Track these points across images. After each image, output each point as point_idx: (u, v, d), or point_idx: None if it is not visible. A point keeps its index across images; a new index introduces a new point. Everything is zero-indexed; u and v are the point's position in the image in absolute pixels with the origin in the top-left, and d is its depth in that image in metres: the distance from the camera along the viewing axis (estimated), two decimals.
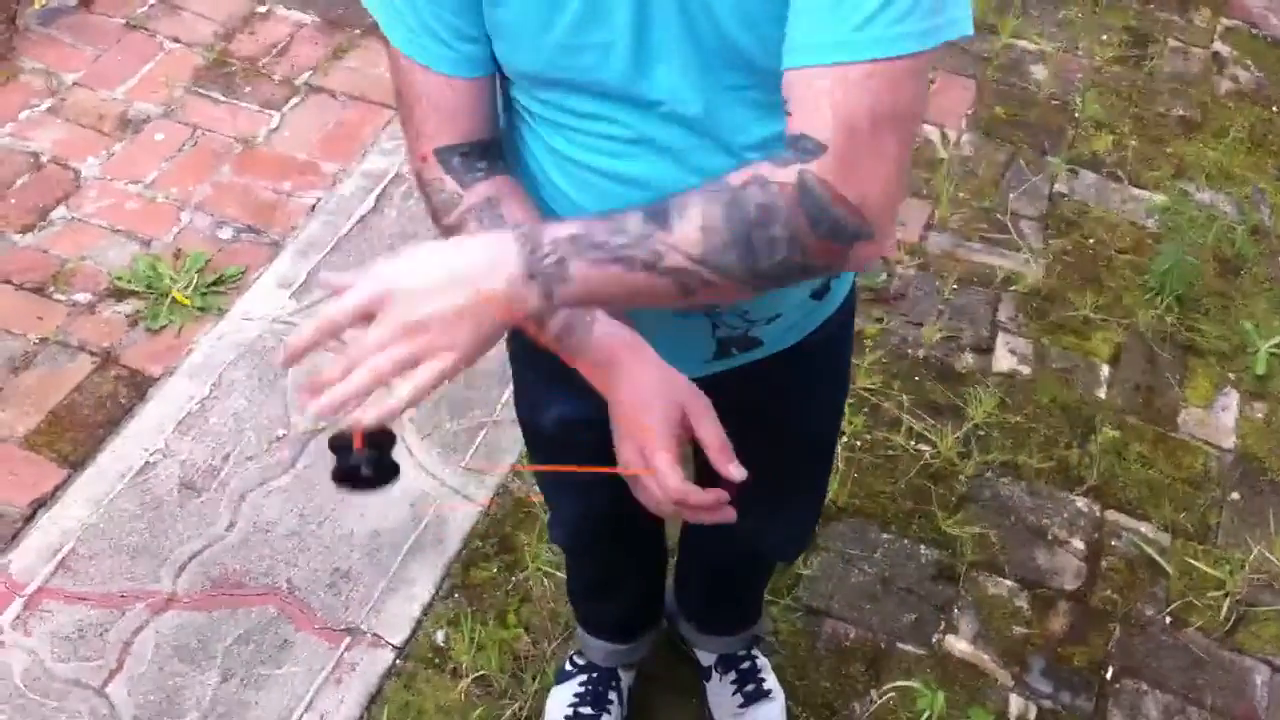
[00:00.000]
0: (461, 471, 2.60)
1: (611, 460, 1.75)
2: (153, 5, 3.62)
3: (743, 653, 2.29)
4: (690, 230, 1.09)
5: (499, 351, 1.67)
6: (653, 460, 1.29)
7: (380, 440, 1.17)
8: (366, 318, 1.09)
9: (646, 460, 1.30)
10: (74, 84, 3.39)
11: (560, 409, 1.66)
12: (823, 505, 2.00)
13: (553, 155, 1.34)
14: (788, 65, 1.10)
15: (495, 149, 1.34)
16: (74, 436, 2.62)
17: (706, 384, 1.53)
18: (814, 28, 1.08)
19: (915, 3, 1.06)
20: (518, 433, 2.54)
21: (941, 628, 2.46)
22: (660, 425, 1.29)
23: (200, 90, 3.40)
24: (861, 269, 1.26)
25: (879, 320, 2.97)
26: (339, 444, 1.17)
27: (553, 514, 1.98)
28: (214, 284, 2.91)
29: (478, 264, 1.08)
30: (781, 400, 1.62)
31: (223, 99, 3.38)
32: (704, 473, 1.85)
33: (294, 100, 3.40)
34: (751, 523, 1.85)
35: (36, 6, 3.56)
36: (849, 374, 1.80)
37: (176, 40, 3.53)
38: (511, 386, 2.67)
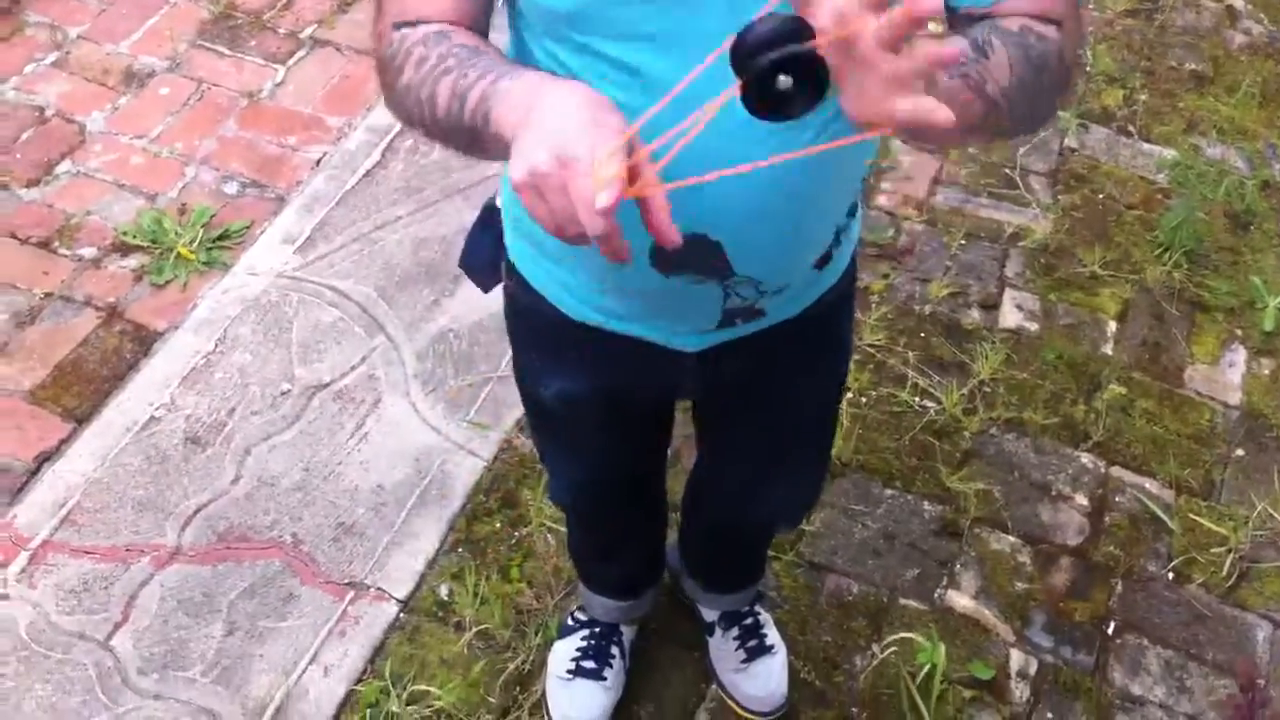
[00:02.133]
0: (466, 426, 2.61)
1: (614, 433, 1.75)
2: None
3: (746, 609, 2.29)
4: (1002, 63, 1.15)
5: (502, 309, 1.68)
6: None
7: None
8: None
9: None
10: (79, 38, 3.37)
11: (561, 384, 1.66)
12: (825, 474, 1.98)
13: None
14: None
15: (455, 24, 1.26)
16: (79, 391, 2.63)
17: (707, 357, 1.53)
18: None
19: None
20: None
21: (944, 583, 2.46)
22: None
23: (205, 44, 3.39)
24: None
25: (885, 276, 2.96)
26: (755, 38, 0.91)
27: (551, 474, 1.98)
28: (219, 239, 2.91)
29: None
30: (781, 371, 1.61)
31: (228, 53, 3.37)
32: (704, 429, 1.86)
33: (299, 54, 3.38)
34: (753, 490, 1.86)
35: None
36: (850, 344, 1.77)
37: None
38: None
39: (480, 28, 1.28)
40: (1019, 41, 1.17)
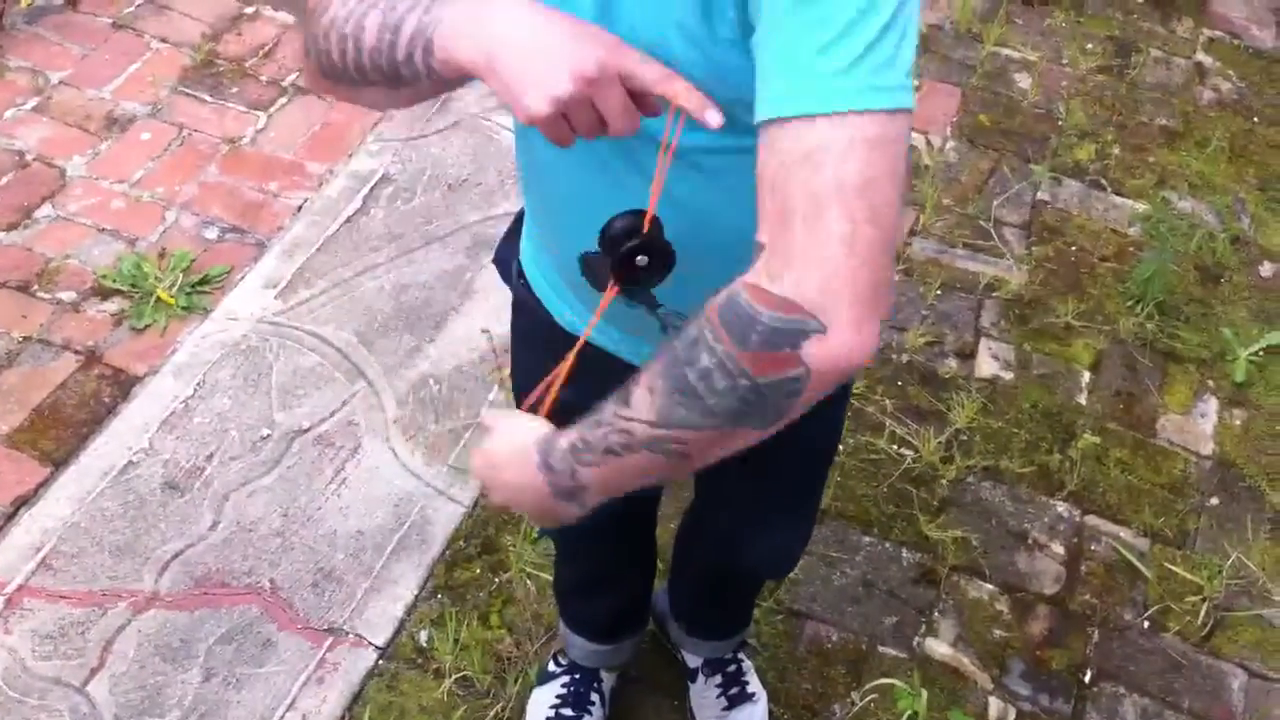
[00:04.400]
0: (446, 472, 2.61)
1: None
2: (140, 5, 3.62)
3: (729, 655, 2.30)
4: (642, 396, 1.04)
5: (483, 356, 1.68)
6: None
7: (654, 230, 1.16)
8: None
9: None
10: (60, 83, 3.38)
11: (561, 395, 1.66)
12: (813, 525, 1.98)
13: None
14: (766, 115, 0.98)
15: None
16: (57, 435, 2.62)
17: None
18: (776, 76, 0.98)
19: (884, 58, 0.95)
20: None
21: (922, 630, 2.47)
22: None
23: (187, 90, 3.40)
24: (840, 374, 0.98)
25: None
26: (613, 234, 1.16)
27: None
28: (199, 284, 2.91)
29: (518, 488, 1.20)
30: None
31: (210, 99, 3.39)
32: (703, 490, 1.86)
33: (281, 101, 3.40)
34: (739, 537, 1.86)
35: (23, 5, 3.56)
36: (845, 397, 1.77)
37: (164, 40, 3.53)
38: (496, 390, 2.69)
39: None
40: (668, 353, 1.03)
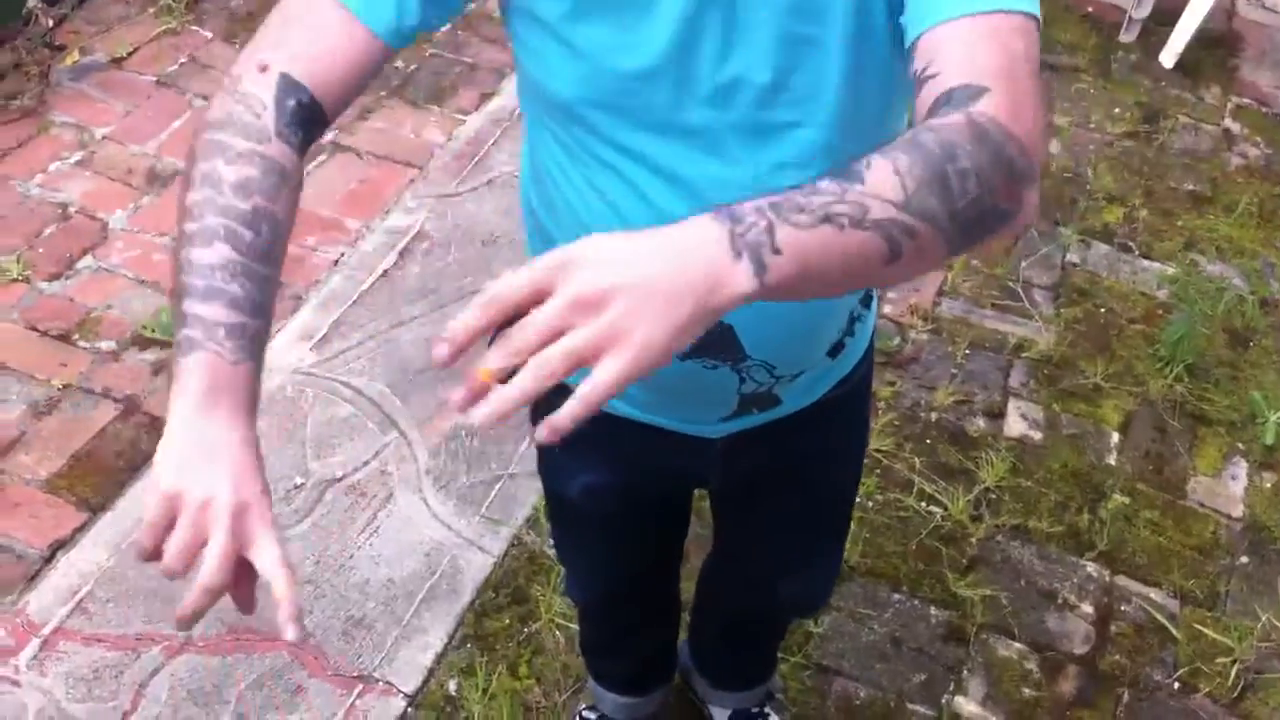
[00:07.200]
0: (478, 522, 2.63)
1: (635, 525, 1.78)
2: (183, 64, 3.70)
3: (756, 709, 2.30)
4: (885, 177, 0.95)
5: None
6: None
7: None
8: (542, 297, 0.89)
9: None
10: (104, 138, 3.45)
11: (587, 478, 1.68)
12: (842, 559, 2.00)
13: (594, 192, 1.31)
14: (928, 25, 1.06)
15: (321, 123, 1.18)
16: (95, 481, 2.65)
17: (729, 446, 1.56)
18: None
19: None
20: (535, 485, 2.59)
21: (951, 689, 2.46)
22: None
23: None
24: (1023, 228, 1.15)
25: (892, 384, 3.00)
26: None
27: (569, 570, 2.00)
28: None
29: (674, 243, 0.90)
30: (800, 459, 1.63)
31: None
32: (723, 517, 1.88)
33: (320, 158, 3.46)
34: (773, 576, 1.88)
35: (68, 63, 3.64)
36: (867, 430, 1.81)
37: (205, 98, 3.60)
38: (528, 441, 2.71)
39: (339, 105, 1.19)
40: (908, 145, 0.98)
